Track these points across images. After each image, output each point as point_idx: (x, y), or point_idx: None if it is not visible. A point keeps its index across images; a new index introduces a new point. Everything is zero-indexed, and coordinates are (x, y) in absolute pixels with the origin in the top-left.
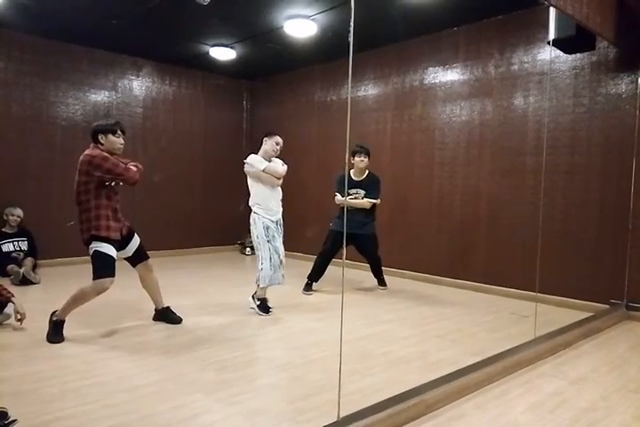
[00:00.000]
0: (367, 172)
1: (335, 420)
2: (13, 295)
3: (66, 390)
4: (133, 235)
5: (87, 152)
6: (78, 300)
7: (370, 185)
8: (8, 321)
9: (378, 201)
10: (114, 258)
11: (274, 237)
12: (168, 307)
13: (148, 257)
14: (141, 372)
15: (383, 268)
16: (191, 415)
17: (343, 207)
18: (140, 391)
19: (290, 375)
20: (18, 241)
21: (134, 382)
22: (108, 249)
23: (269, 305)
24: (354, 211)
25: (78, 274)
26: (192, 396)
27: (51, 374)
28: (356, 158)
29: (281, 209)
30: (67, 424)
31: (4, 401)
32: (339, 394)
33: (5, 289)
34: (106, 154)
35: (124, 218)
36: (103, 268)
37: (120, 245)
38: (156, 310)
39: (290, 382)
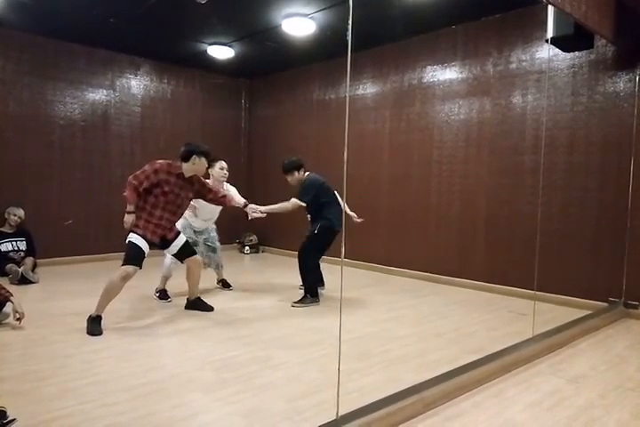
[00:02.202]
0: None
1: (334, 418)
2: (12, 295)
3: (64, 390)
4: (178, 236)
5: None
6: (109, 291)
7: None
8: (7, 320)
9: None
10: (143, 250)
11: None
12: (199, 297)
13: (195, 254)
14: (140, 371)
15: (381, 266)
16: (190, 415)
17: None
18: (138, 391)
19: (288, 374)
20: (16, 241)
21: (133, 381)
22: (140, 242)
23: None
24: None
25: (77, 273)
26: (190, 395)
27: (49, 374)
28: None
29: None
30: (65, 423)
31: (4, 400)
32: (337, 393)
33: (4, 288)
34: (159, 164)
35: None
36: (130, 256)
37: (163, 244)
38: (188, 299)
39: (288, 381)
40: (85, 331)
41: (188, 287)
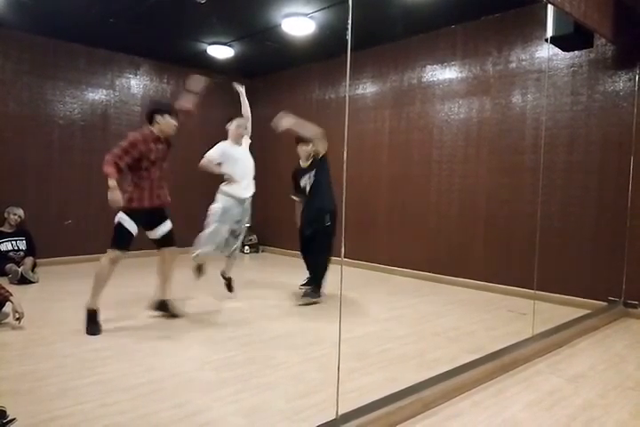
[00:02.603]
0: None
1: (333, 418)
2: (12, 294)
3: (64, 389)
4: (165, 220)
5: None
6: (99, 277)
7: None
8: (6, 320)
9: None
10: (131, 232)
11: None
12: (169, 300)
13: (175, 244)
14: (139, 371)
15: (381, 265)
16: (189, 414)
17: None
18: (138, 390)
19: (288, 374)
20: (16, 240)
21: (132, 380)
22: (129, 224)
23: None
24: None
25: (76, 273)
26: (190, 395)
27: (49, 373)
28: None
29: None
30: (65, 423)
31: (3, 400)
32: (337, 392)
33: (4, 288)
34: (133, 137)
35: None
36: (118, 239)
37: (148, 222)
38: (155, 299)
39: (288, 381)
40: (85, 331)
41: (159, 283)
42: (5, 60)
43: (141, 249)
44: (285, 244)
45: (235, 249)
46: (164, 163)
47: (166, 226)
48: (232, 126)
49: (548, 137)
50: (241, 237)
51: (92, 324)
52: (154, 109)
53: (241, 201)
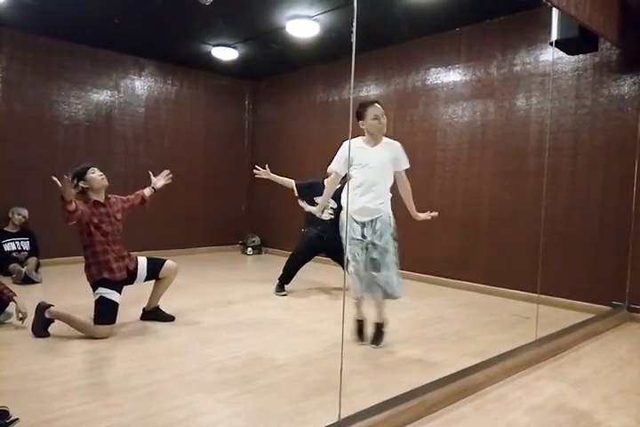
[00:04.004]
0: None
1: (336, 421)
2: (15, 294)
3: (67, 390)
4: (138, 262)
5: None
6: (76, 326)
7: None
8: (10, 320)
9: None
10: (117, 304)
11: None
12: (158, 306)
13: (165, 260)
14: (142, 372)
15: None
16: (191, 415)
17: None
18: (140, 391)
19: (290, 376)
20: (20, 240)
21: (135, 381)
22: (112, 295)
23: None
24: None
25: (80, 273)
26: (192, 396)
27: (52, 374)
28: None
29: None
30: (67, 423)
31: (6, 400)
32: (339, 395)
33: (7, 288)
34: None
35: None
36: (106, 313)
37: (130, 278)
38: (145, 309)
39: (290, 383)
40: (31, 328)
41: (151, 294)
42: (10, 61)
43: (142, 249)
44: (288, 245)
45: None
46: (118, 223)
47: (142, 263)
48: (367, 121)
49: (553, 140)
50: None
51: (45, 328)
52: (74, 175)
53: None
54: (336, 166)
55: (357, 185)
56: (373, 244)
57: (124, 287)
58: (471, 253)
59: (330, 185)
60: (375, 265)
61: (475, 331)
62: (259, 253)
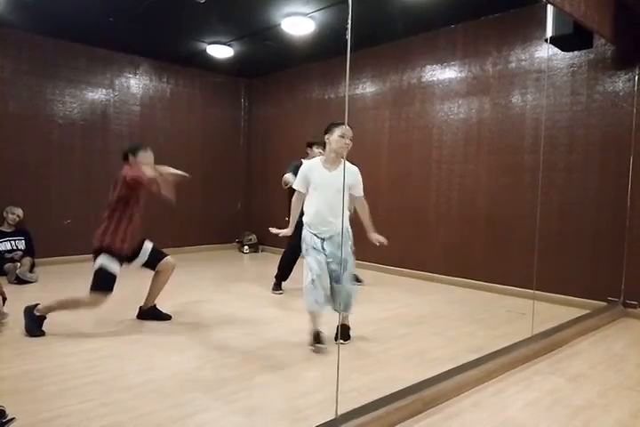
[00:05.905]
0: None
1: (333, 417)
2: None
3: (64, 389)
4: (143, 243)
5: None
6: (69, 306)
7: None
8: (5, 320)
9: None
10: (115, 276)
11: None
12: (155, 305)
13: (166, 255)
14: (139, 370)
15: (380, 265)
16: (189, 414)
17: None
18: (137, 390)
19: (287, 374)
20: (15, 240)
21: (132, 380)
22: (113, 267)
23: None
24: None
25: (75, 273)
26: (190, 394)
27: (49, 373)
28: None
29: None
30: (65, 422)
31: (3, 399)
32: (337, 391)
33: (1, 287)
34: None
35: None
36: (103, 282)
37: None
38: (142, 308)
39: (287, 381)
40: (24, 328)
41: (148, 292)
42: (5, 60)
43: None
44: (285, 244)
45: None
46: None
47: (147, 246)
48: (334, 136)
49: (548, 137)
50: None
51: (38, 327)
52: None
53: None
54: (297, 186)
55: (315, 206)
56: (333, 256)
57: (119, 284)
58: (467, 250)
59: (295, 204)
60: (336, 277)
61: (471, 327)
62: (255, 252)
